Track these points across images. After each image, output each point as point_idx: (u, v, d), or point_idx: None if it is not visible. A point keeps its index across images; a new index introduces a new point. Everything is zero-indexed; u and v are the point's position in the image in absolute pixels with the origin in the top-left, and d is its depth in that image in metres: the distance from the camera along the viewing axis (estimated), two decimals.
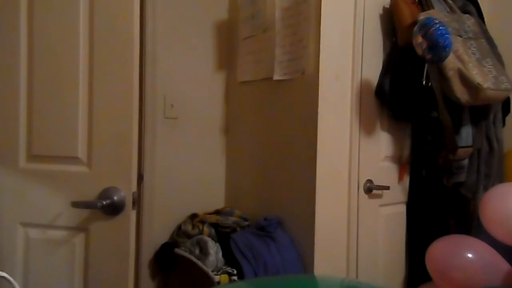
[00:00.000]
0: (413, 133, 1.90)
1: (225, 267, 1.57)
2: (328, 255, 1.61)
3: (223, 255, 1.59)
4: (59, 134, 1.34)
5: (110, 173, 1.30)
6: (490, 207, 1.64)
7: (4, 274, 1.07)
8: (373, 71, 1.77)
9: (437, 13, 1.69)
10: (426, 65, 1.64)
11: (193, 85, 1.81)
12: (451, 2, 1.86)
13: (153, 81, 1.63)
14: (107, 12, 1.30)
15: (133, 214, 1.30)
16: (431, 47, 1.47)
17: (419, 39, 1.49)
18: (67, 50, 1.33)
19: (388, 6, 1.81)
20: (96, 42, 1.31)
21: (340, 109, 1.66)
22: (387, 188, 1.80)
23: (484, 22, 1.97)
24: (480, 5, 2.00)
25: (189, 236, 1.65)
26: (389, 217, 1.88)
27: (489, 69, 1.69)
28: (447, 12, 1.81)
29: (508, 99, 1.95)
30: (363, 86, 1.73)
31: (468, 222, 1.83)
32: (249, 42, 1.84)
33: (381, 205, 1.85)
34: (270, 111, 1.76)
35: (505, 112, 1.98)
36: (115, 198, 1.28)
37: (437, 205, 1.90)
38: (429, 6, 1.72)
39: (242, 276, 1.52)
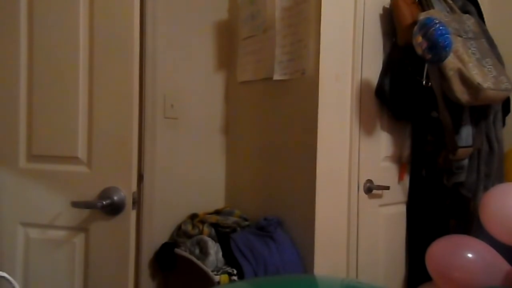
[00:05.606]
0: (413, 133, 1.90)
1: (225, 267, 1.56)
2: (328, 255, 1.61)
3: (223, 255, 1.59)
4: (59, 134, 1.34)
5: (110, 173, 1.30)
6: (490, 207, 1.64)
7: (4, 274, 1.07)
8: (373, 71, 1.77)
9: (437, 13, 1.70)
10: (426, 65, 1.65)
11: (193, 85, 1.81)
12: (451, 2, 1.86)
13: (153, 81, 1.63)
14: (107, 12, 1.30)
15: (133, 214, 1.29)
16: (431, 47, 1.47)
17: (419, 39, 1.49)
18: (67, 50, 1.33)
19: (388, 6, 1.81)
20: (96, 42, 1.31)
21: (340, 109, 1.66)
22: (387, 188, 1.80)
23: (484, 22, 1.97)
24: (480, 5, 2.00)
25: (189, 236, 1.65)
26: (389, 217, 1.88)
27: (489, 69, 1.69)
28: (447, 12, 1.81)
29: (508, 99, 1.95)
30: (363, 86, 1.73)
31: (468, 222, 1.83)
32: (249, 42, 1.84)
33: (381, 205, 1.85)
34: (270, 111, 1.76)
35: (505, 112, 1.98)
36: (115, 198, 1.28)
37: (437, 205, 1.90)
38: (429, 6, 1.72)
39: (242, 276, 1.52)
